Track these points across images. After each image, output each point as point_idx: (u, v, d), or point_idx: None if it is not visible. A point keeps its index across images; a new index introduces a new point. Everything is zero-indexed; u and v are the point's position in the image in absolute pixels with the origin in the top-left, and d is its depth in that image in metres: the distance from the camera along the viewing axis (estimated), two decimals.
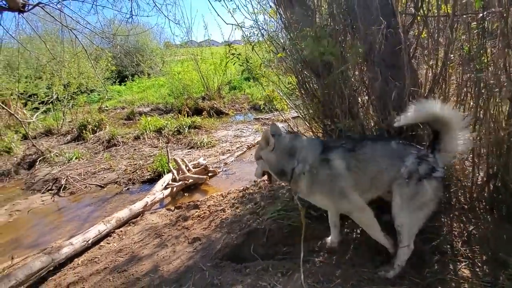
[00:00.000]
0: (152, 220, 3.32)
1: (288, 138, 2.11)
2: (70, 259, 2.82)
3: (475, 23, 2.15)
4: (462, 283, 1.91)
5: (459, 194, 2.62)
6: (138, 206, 3.54)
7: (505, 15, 1.92)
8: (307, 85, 2.99)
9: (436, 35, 2.31)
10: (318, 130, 3.22)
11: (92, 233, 3.01)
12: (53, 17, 5.68)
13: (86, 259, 2.82)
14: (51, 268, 2.67)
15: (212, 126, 7.37)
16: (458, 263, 2.05)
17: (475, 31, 2.18)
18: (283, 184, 3.27)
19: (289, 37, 3.00)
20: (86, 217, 3.96)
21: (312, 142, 2.16)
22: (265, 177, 2.32)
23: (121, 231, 3.20)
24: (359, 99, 2.80)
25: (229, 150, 5.68)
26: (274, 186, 3.40)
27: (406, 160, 1.89)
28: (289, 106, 4.28)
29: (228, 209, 3.16)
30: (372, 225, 2.01)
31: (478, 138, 2.34)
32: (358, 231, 2.42)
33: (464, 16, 2.24)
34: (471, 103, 2.33)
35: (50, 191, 4.91)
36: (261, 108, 8.93)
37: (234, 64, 3.00)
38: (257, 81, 3.58)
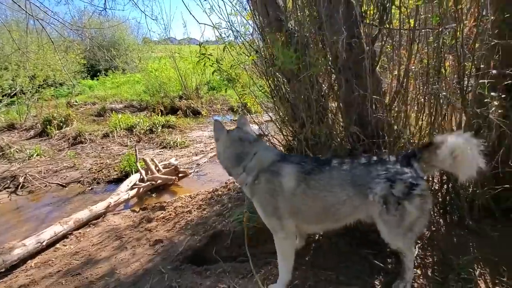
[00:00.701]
0: (114, 222, 3.19)
1: (248, 144, 1.88)
2: (23, 260, 2.65)
3: (432, 37, 2.29)
4: (412, 282, 1.99)
5: None
6: (99, 207, 3.39)
7: (458, 29, 2.05)
8: (279, 89, 3.03)
9: (398, 47, 2.43)
10: (288, 135, 3.27)
11: (47, 234, 2.84)
12: (19, 5, 5.34)
13: (40, 261, 2.66)
14: (2, 270, 2.52)
15: (187, 126, 7.25)
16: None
17: (433, 45, 2.31)
18: None
19: (262, 40, 3.03)
20: (44, 217, 3.74)
21: (267, 149, 1.95)
22: None
23: (79, 232, 3.05)
24: (329, 105, 2.87)
25: (202, 151, 5.61)
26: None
27: (373, 186, 1.66)
28: (262, 109, 4.32)
29: (194, 210, 3.11)
30: (287, 257, 1.85)
31: None
32: (319, 236, 2.47)
33: (423, 30, 2.39)
34: (427, 112, 2.46)
35: (7, 189, 4.59)
36: (235, 110, 8.91)
37: (204, 65, 2.95)
38: (229, 83, 3.55)
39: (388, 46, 2.57)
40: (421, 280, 1.98)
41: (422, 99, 2.45)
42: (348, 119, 2.45)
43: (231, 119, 8.36)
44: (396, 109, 2.51)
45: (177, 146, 5.89)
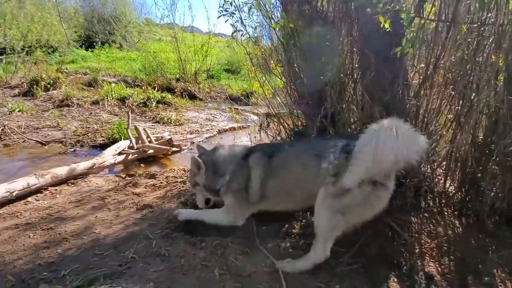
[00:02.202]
0: (97, 183, 2.86)
1: (212, 154, 2.03)
2: None
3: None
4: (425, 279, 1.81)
5: (429, 198, 2.59)
6: (82, 166, 3.05)
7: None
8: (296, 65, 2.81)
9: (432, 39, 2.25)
10: (297, 120, 3.08)
11: (19, 184, 2.49)
12: None
13: (6, 212, 2.31)
14: None
15: (183, 106, 6.91)
16: (425, 261, 1.97)
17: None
18: None
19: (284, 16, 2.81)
20: (17, 171, 3.34)
21: (232, 151, 2.04)
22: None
23: (56, 189, 2.70)
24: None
25: (198, 130, 5.31)
26: None
27: (327, 154, 1.61)
28: (270, 91, 4.11)
29: None
30: (214, 223, 2.00)
31: (455, 146, 2.33)
32: None
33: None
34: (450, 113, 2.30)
35: None
36: (232, 98, 8.59)
37: (207, 51, 2.69)
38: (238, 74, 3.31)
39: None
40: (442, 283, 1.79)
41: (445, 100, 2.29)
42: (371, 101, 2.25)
43: (228, 107, 8.07)
44: (424, 94, 2.34)
45: (171, 122, 5.56)
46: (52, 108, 5.84)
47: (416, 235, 2.18)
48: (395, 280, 1.79)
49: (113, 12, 16.84)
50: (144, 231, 2.01)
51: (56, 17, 9.65)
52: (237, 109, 6.74)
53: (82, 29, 15.20)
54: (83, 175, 3.03)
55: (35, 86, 7.01)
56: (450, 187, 2.51)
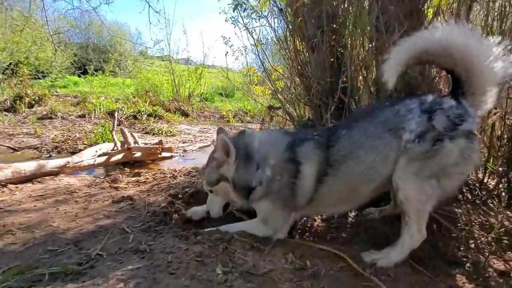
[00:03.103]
0: (68, 182, 2.35)
1: (243, 138, 1.48)
2: None
3: None
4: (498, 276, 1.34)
5: (465, 189, 2.19)
6: (53, 163, 2.55)
7: None
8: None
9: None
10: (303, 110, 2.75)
11: None
12: None
13: None
14: None
15: (175, 120, 6.54)
16: (481, 256, 1.51)
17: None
18: None
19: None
20: None
21: (271, 136, 1.54)
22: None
23: (16, 187, 2.18)
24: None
25: (191, 140, 4.88)
26: None
27: (405, 124, 1.28)
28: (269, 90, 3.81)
29: (181, 176, 2.35)
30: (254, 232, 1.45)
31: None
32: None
33: None
34: None
35: None
36: (225, 119, 8.27)
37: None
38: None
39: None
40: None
41: None
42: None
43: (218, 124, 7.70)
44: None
45: (162, 133, 5.13)
46: (32, 120, 5.37)
47: (467, 227, 1.74)
48: (463, 278, 1.31)
49: (109, 42, 17.09)
50: (119, 225, 1.51)
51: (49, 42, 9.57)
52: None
53: (76, 57, 15.23)
54: (54, 174, 2.52)
55: (18, 102, 6.58)
56: (486, 178, 2.13)
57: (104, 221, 1.54)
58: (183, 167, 2.78)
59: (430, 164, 1.24)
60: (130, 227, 1.49)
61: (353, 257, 1.31)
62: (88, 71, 14.63)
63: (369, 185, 1.35)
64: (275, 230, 1.43)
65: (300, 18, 2.43)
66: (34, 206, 1.71)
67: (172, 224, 1.56)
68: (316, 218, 1.77)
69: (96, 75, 15.19)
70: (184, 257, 1.24)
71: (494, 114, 1.94)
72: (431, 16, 2.09)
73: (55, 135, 4.30)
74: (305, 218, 1.76)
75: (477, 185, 2.21)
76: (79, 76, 14.73)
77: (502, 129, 2.09)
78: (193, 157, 3.95)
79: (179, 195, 1.89)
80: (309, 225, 1.70)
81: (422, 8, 2.08)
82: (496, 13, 1.93)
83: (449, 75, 1.45)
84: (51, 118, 5.56)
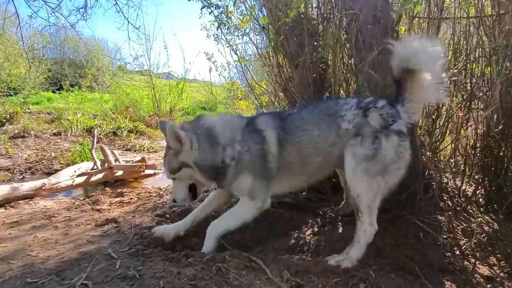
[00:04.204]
0: (45, 205, 2.22)
1: (200, 123, 1.58)
2: None
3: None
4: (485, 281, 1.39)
5: (446, 197, 2.28)
6: (27, 186, 2.41)
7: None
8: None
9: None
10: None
11: None
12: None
13: None
14: None
15: (157, 135, 6.39)
16: (467, 262, 1.57)
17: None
18: None
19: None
20: None
21: (230, 117, 1.68)
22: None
23: None
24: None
25: None
26: None
27: (343, 113, 1.49)
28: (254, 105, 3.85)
29: (167, 195, 2.28)
30: (245, 220, 1.54)
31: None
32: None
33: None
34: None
35: None
36: None
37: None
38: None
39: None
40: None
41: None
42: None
43: None
44: None
45: (144, 150, 5.01)
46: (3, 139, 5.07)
47: (450, 235, 1.80)
48: (453, 286, 1.35)
49: (86, 56, 16.68)
50: (104, 250, 1.43)
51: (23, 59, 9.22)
52: None
53: (50, 72, 14.70)
54: (29, 197, 2.37)
55: None
56: (464, 186, 2.25)
57: (87, 247, 1.46)
58: (169, 185, 2.71)
59: (375, 163, 1.40)
60: (117, 252, 1.42)
61: (346, 273, 1.31)
62: (64, 86, 14.11)
63: (316, 158, 1.51)
64: (262, 199, 1.51)
65: (282, 36, 2.51)
66: (9, 234, 1.59)
67: (161, 247, 1.49)
68: (307, 231, 1.77)
69: (72, 91, 14.69)
70: (176, 282, 1.19)
71: (468, 126, 2.06)
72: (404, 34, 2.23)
73: (29, 154, 4.08)
74: (297, 233, 1.75)
75: (456, 192, 2.32)
76: (53, 92, 14.17)
77: (475, 139, 2.23)
78: None
79: (167, 215, 1.84)
80: (301, 241, 1.69)
81: (396, 27, 2.23)
82: (461, 32, 2.09)
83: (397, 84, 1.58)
84: (23, 136, 5.28)
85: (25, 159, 3.86)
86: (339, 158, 1.49)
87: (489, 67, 1.96)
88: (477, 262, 1.57)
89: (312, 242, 1.70)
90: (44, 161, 3.82)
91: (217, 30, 2.58)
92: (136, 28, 4.74)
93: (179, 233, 1.61)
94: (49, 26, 6.35)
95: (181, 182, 1.56)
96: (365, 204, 1.40)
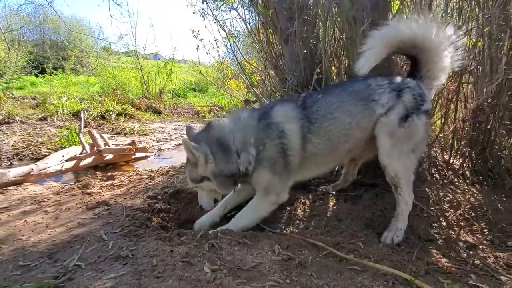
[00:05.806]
0: (34, 191, 2.19)
1: (210, 132, 1.51)
2: None
3: None
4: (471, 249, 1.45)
5: (433, 170, 2.33)
6: (15, 172, 2.36)
7: None
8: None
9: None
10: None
11: None
12: None
13: None
14: None
15: (147, 118, 6.29)
16: (452, 231, 1.63)
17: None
18: None
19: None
20: None
21: (240, 117, 1.55)
22: None
23: None
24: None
25: (166, 139, 4.73)
26: None
27: (376, 97, 1.46)
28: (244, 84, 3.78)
29: (158, 177, 2.28)
30: (262, 216, 1.53)
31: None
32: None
33: None
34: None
35: None
36: (200, 114, 8.12)
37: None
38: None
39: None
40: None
41: None
42: None
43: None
44: None
45: (134, 133, 4.93)
46: None
47: (437, 206, 1.86)
48: (437, 253, 1.40)
49: (68, 37, 15.96)
50: (96, 232, 1.43)
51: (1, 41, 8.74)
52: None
53: (32, 55, 14.08)
54: (17, 183, 2.33)
55: None
56: (452, 159, 2.29)
57: (79, 229, 1.45)
58: (160, 167, 2.70)
59: (409, 143, 1.45)
60: (108, 233, 1.42)
61: (336, 245, 1.35)
62: (47, 70, 13.57)
63: (345, 145, 1.50)
64: (279, 195, 1.49)
65: (271, 10, 2.42)
66: None
67: (153, 227, 1.50)
68: (298, 208, 1.80)
69: (56, 74, 14.15)
70: (169, 259, 1.21)
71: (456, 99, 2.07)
72: (396, 8, 2.17)
73: (15, 141, 3.97)
74: (288, 209, 1.78)
75: (444, 165, 2.37)
76: (36, 76, 13.64)
77: (465, 113, 2.24)
78: (169, 156, 3.84)
79: (159, 196, 1.83)
80: (292, 216, 1.72)
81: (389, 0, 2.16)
82: (455, 3, 2.04)
83: (410, 61, 1.62)
84: (8, 123, 5.12)
85: (12, 145, 3.76)
86: (368, 140, 1.50)
87: (481, 40, 1.94)
88: (462, 231, 1.63)
89: (304, 217, 1.74)
90: (31, 147, 3.73)
91: (203, 3, 2.46)
92: (117, 4, 4.51)
93: (216, 220, 1.61)
94: (25, 4, 6.01)
95: (204, 192, 1.56)
96: (404, 181, 1.47)
